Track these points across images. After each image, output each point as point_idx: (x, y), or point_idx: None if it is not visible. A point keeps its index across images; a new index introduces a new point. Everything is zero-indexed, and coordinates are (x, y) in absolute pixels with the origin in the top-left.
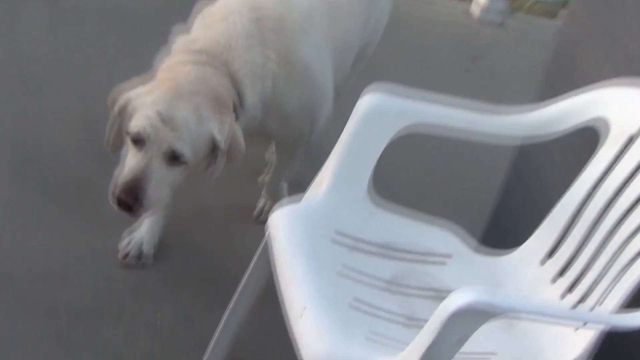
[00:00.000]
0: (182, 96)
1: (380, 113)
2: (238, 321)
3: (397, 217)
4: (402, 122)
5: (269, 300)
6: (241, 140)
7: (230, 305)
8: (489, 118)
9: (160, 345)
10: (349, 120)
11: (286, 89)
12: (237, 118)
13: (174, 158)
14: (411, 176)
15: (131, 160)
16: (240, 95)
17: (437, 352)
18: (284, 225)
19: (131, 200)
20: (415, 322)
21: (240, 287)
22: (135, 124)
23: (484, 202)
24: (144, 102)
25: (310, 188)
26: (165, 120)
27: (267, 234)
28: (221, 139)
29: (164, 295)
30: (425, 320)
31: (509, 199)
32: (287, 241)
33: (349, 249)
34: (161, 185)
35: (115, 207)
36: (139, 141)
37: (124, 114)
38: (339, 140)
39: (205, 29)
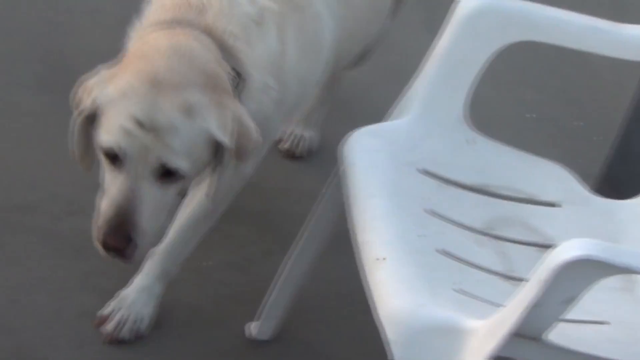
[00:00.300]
0: (163, 87)
1: (485, 19)
2: (301, 271)
3: (496, 153)
4: (512, 32)
5: (338, 246)
6: (250, 126)
7: (293, 251)
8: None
9: (210, 295)
10: (446, 27)
11: (297, 44)
12: (239, 99)
13: (166, 173)
14: (512, 106)
15: (111, 186)
16: (237, 67)
17: (540, 313)
18: (363, 151)
19: (122, 242)
20: (513, 279)
21: (305, 230)
22: (107, 138)
23: (599, 143)
24: (110, 97)
25: (394, 109)
26: (147, 127)
27: (340, 163)
28: (224, 135)
29: (213, 239)
30: (526, 277)
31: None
32: (365, 172)
33: (438, 185)
34: (157, 212)
35: (103, 253)
36: (116, 157)
37: (86, 115)
38: (431, 50)
39: None
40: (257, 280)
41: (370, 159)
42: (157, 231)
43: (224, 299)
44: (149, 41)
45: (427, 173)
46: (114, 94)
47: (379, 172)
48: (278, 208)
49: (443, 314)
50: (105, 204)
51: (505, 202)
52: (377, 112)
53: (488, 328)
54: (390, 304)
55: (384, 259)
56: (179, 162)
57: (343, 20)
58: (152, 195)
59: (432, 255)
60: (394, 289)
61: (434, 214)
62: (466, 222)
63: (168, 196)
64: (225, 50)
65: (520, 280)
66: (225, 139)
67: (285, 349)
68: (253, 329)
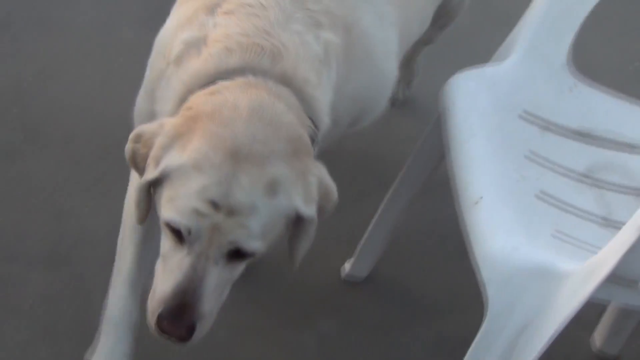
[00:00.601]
0: (243, 160)
1: None
2: (397, 211)
3: (599, 98)
4: None
5: (435, 190)
6: (332, 188)
7: (390, 192)
8: None
9: None
10: None
11: (345, 67)
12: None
13: (237, 254)
14: (616, 56)
15: (172, 262)
16: (314, 117)
17: (637, 259)
18: (465, 93)
19: (182, 330)
20: (611, 223)
21: (403, 171)
22: (174, 216)
23: None
24: (180, 166)
25: (497, 53)
26: (224, 208)
27: (441, 106)
28: (310, 208)
29: None
30: (624, 223)
31: None
32: (466, 114)
33: (539, 129)
34: (221, 294)
35: (157, 335)
36: (181, 233)
37: (151, 182)
38: None
39: (224, 27)
40: (353, 220)
41: (472, 101)
42: (218, 310)
43: (319, 238)
44: (219, 93)
45: (529, 116)
46: (185, 164)
47: (480, 115)
48: (375, 151)
49: (540, 256)
50: (165, 285)
51: (607, 146)
52: (479, 56)
53: (585, 272)
54: (487, 244)
55: (481, 198)
56: (255, 244)
57: (400, 23)
58: (218, 278)
59: (530, 199)
60: (491, 230)
61: (534, 157)
62: (566, 167)
63: (235, 275)
64: (304, 101)
65: (618, 225)
66: (312, 212)
67: (379, 288)
68: (348, 267)
